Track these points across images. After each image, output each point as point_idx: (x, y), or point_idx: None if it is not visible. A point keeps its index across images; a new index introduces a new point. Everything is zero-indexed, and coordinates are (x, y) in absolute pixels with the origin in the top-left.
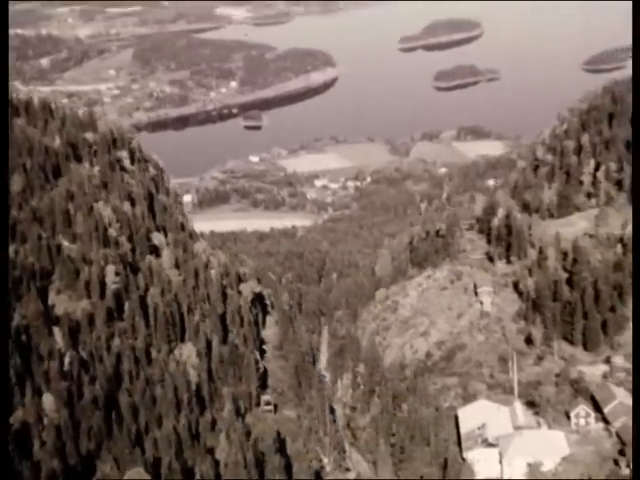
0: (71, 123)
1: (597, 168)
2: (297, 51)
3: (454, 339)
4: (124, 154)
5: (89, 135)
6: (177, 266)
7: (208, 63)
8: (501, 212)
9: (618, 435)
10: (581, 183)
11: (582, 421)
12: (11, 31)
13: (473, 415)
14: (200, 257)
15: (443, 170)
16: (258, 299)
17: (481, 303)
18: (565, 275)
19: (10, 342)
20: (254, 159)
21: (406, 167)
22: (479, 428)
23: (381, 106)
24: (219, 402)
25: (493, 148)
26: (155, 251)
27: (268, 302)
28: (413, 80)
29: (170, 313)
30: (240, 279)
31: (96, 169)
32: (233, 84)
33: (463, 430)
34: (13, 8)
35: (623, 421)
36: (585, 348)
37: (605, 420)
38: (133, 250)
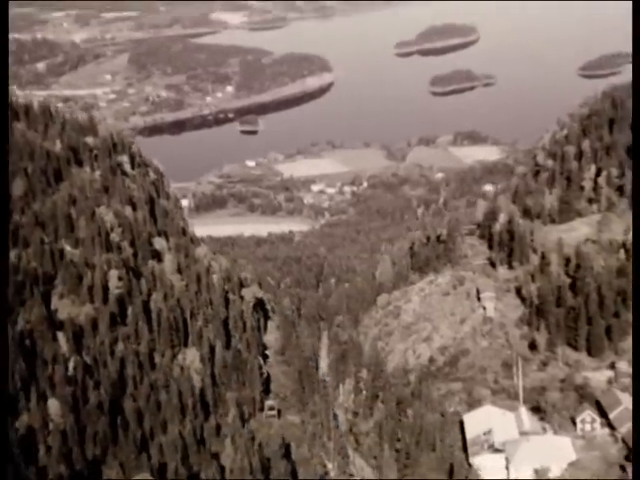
0: (71, 127)
1: (598, 174)
2: (293, 56)
3: (457, 344)
4: (125, 158)
5: (90, 139)
6: (179, 271)
7: (204, 68)
8: (503, 217)
9: (624, 441)
10: (582, 189)
11: (588, 427)
12: None
13: (479, 421)
14: (202, 262)
15: (440, 175)
16: (259, 304)
17: (484, 308)
18: (568, 281)
19: (14, 347)
20: (250, 164)
21: (403, 172)
22: (485, 434)
23: (377, 111)
24: (223, 407)
25: (489, 153)
26: (157, 256)
27: (269, 307)
28: (409, 85)
29: (173, 318)
30: (242, 284)
31: (97, 173)
32: (229, 89)
33: (469, 436)
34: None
35: (629, 427)
36: (589, 354)
37: (611, 426)
38: (135, 255)
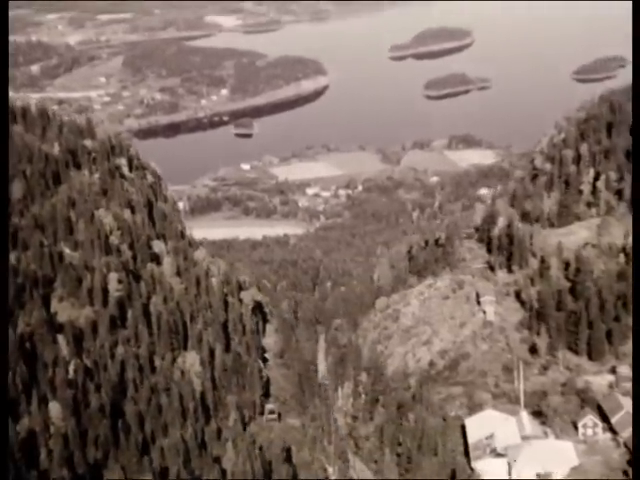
0: (69, 130)
1: (597, 177)
2: (288, 59)
3: (457, 348)
4: (123, 161)
5: (88, 142)
6: (178, 274)
7: (199, 70)
8: (502, 221)
9: (626, 445)
10: (581, 192)
11: (590, 431)
12: None
13: (480, 425)
14: (201, 265)
15: (435, 179)
16: (257, 307)
17: (484, 312)
18: (568, 285)
19: (15, 350)
20: (245, 167)
21: (398, 176)
22: (487, 438)
23: (372, 114)
24: (223, 411)
25: (484, 157)
26: (156, 259)
27: (267, 310)
28: (404, 89)
29: (173, 321)
30: (240, 287)
31: (96, 176)
32: (224, 91)
33: (471, 440)
34: None
35: (631, 431)
36: (590, 358)
37: (613, 430)
38: (134, 258)
